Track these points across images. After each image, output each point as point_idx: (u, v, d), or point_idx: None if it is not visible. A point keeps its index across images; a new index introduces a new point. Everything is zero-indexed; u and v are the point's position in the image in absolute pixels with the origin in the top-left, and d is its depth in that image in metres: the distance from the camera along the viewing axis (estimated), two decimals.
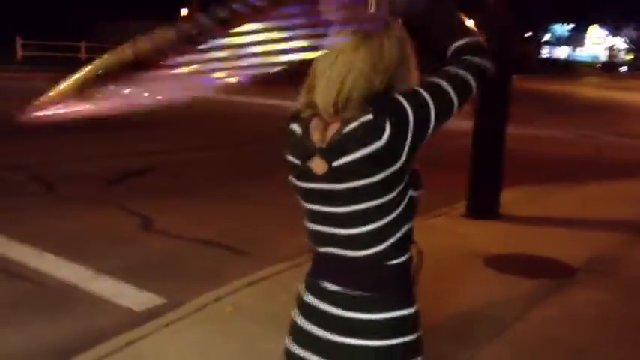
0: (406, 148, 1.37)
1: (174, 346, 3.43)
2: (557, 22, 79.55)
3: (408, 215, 1.45)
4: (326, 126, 1.43)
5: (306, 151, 1.44)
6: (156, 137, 10.62)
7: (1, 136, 9.63)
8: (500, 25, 6.11)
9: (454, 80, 1.43)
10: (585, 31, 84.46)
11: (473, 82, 1.45)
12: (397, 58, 1.41)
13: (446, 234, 5.55)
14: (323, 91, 1.41)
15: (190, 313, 3.79)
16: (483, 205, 6.20)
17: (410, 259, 1.48)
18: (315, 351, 1.48)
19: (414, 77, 1.45)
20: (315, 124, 1.45)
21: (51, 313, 3.84)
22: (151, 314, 3.83)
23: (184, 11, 33.18)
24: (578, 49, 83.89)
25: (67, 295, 4.11)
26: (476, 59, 1.46)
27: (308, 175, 1.44)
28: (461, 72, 1.44)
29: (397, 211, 1.42)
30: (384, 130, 1.35)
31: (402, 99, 1.38)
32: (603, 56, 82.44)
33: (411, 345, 1.47)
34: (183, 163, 8.61)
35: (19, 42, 27.51)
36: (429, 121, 1.39)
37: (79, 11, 30.78)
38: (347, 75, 1.38)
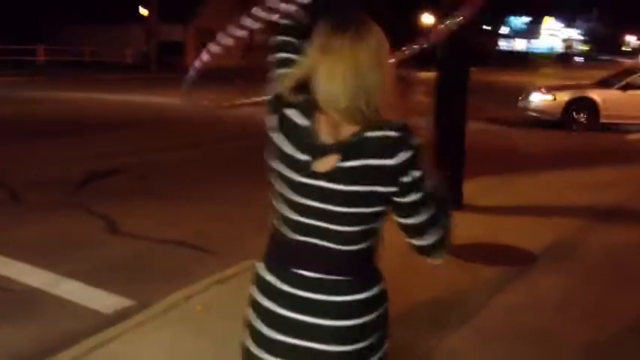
0: (407, 181, 1.46)
1: (145, 347, 3.44)
2: (513, 14, 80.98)
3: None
4: (337, 123, 1.46)
5: (317, 149, 1.47)
6: (124, 139, 10.53)
7: None
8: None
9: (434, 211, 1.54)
10: (541, 23, 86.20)
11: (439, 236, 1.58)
12: (385, 53, 1.49)
13: None
14: (342, 90, 1.43)
15: (160, 314, 3.80)
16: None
17: (378, 243, 1.58)
18: (292, 334, 1.52)
19: (390, 74, 1.50)
20: (324, 119, 1.47)
21: (19, 319, 3.81)
22: (120, 316, 3.83)
23: (144, 11, 32.76)
24: (534, 41, 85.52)
25: (34, 301, 4.08)
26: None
27: (306, 170, 1.48)
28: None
29: (384, 216, 1.52)
30: (403, 152, 1.44)
31: (421, 155, 1.48)
32: (559, 47, 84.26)
33: (385, 315, 1.59)
34: (152, 165, 8.54)
35: None
36: (411, 194, 1.48)
37: (33, 14, 30.09)
38: (363, 74, 1.42)
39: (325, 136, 1.47)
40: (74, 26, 33.01)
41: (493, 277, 4.51)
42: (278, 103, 1.53)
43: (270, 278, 1.57)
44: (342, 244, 1.51)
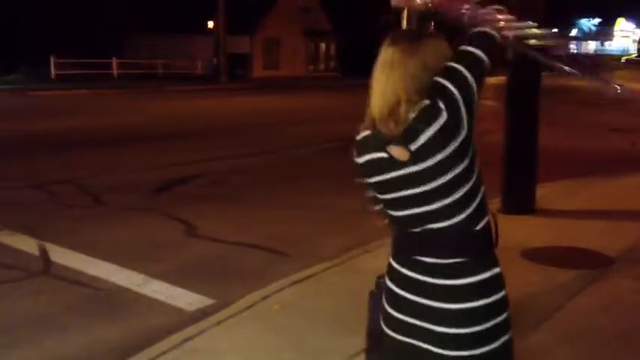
0: (464, 115, 1.59)
1: (228, 342, 3.59)
2: (583, 16, 78.52)
3: (480, 183, 1.65)
4: (387, 121, 1.64)
5: (382, 141, 1.64)
6: (196, 147, 10.91)
7: (42, 152, 10.02)
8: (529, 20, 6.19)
9: (467, 56, 1.67)
10: (613, 24, 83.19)
11: (483, 56, 1.67)
12: (440, 58, 1.65)
13: None
14: (378, 103, 1.64)
15: (240, 312, 3.96)
16: (518, 201, 6.25)
17: (488, 223, 1.68)
18: (416, 316, 1.66)
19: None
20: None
21: (109, 316, 4.05)
22: (202, 314, 4.02)
23: (210, 24, 33.68)
24: (607, 43, 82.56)
25: (122, 299, 4.32)
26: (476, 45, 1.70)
27: (392, 165, 1.64)
28: (469, 49, 1.68)
29: (472, 180, 1.63)
30: (439, 107, 1.57)
31: (439, 79, 1.61)
32: (633, 49, 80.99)
33: (500, 302, 1.67)
34: (224, 171, 8.82)
35: (52, 61, 28.17)
36: (467, 84, 1.61)
37: (108, 28, 31.38)
38: (401, 86, 1.61)
39: (386, 132, 1.63)
40: (140, 39, 34.20)
41: (569, 280, 4.44)
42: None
43: (396, 266, 1.72)
44: (442, 221, 1.62)
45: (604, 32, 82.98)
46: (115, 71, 31.01)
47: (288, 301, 4.11)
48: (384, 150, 1.63)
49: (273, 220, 6.28)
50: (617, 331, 3.68)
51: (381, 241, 4.87)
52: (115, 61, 31.06)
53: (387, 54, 1.66)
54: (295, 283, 4.38)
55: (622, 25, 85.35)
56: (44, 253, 5.18)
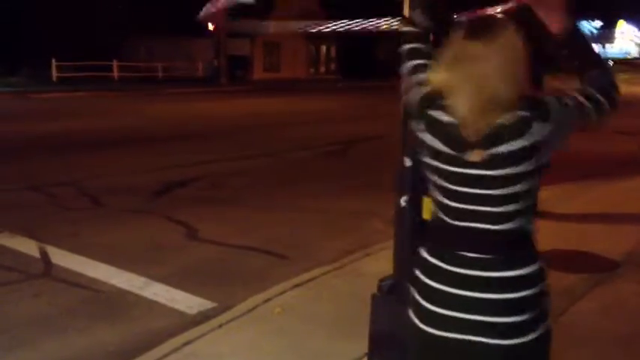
0: (551, 143, 1.57)
1: (229, 345, 3.57)
2: (584, 19, 78.60)
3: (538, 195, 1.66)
4: (472, 122, 1.59)
5: (460, 142, 1.60)
6: (196, 149, 10.88)
7: (42, 154, 10.00)
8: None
9: (596, 102, 1.65)
10: (614, 27, 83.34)
11: (593, 113, 1.64)
12: (523, 56, 1.60)
13: None
14: (465, 103, 1.56)
15: (241, 315, 3.94)
16: None
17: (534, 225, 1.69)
18: (455, 309, 1.64)
19: (526, 73, 1.60)
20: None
21: (109, 318, 4.02)
22: (204, 317, 4.00)
23: (210, 26, 33.69)
24: (609, 46, 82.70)
25: (123, 301, 4.30)
26: (599, 96, 1.66)
27: (459, 161, 1.61)
28: (586, 103, 1.64)
29: (536, 193, 1.64)
30: (538, 125, 1.54)
31: (550, 100, 1.59)
32: (635, 52, 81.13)
33: (542, 292, 1.67)
34: (223, 173, 8.80)
35: (53, 63, 28.17)
36: (567, 122, 1.60)
37: (108, 30, 31.36)
38: (496, 84, 1.54)
39: (467, 131, 1.58)
40: (144, 42, 34.22)
41: (572, 284, 4.42)
42: (422, 107, 1.66)
43: (433, 260, 1.69)
44: (498, 224, 1.61)
45: (604, 35, 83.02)
46: (115, 74, 31.00)
47: (290, 305, 4.08)
48: (458, 149, 1.59)
49: (274, 223, 6.26)
50: (621, 335, 3.65)
51: (382, 245, 4.86)
52: (115, 64, 31.06)
53: (467, 48, 1.57)
54: (297, 286, 4.36)
55: (624, 27, 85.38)
56: (44, 255, 5.16)
